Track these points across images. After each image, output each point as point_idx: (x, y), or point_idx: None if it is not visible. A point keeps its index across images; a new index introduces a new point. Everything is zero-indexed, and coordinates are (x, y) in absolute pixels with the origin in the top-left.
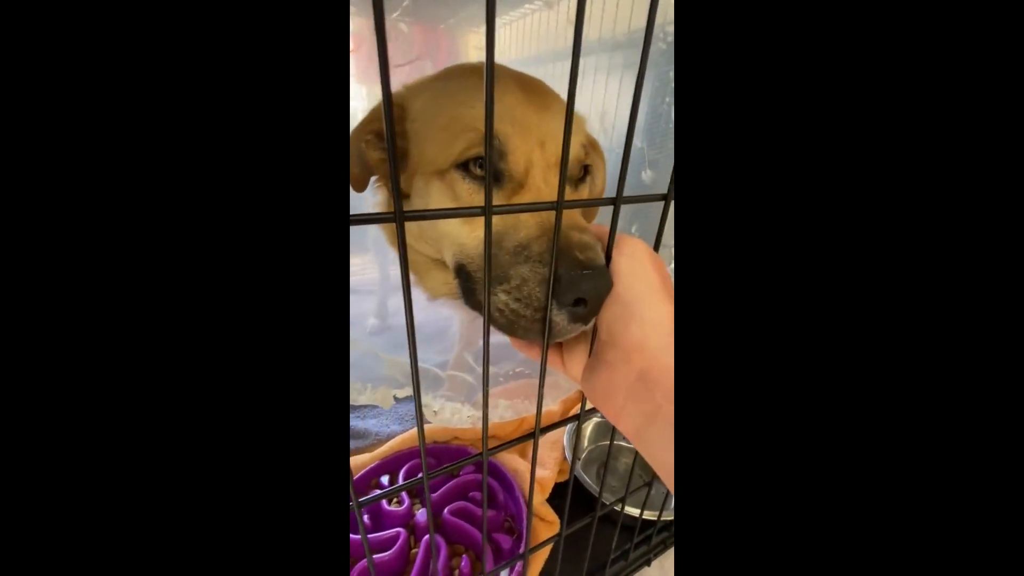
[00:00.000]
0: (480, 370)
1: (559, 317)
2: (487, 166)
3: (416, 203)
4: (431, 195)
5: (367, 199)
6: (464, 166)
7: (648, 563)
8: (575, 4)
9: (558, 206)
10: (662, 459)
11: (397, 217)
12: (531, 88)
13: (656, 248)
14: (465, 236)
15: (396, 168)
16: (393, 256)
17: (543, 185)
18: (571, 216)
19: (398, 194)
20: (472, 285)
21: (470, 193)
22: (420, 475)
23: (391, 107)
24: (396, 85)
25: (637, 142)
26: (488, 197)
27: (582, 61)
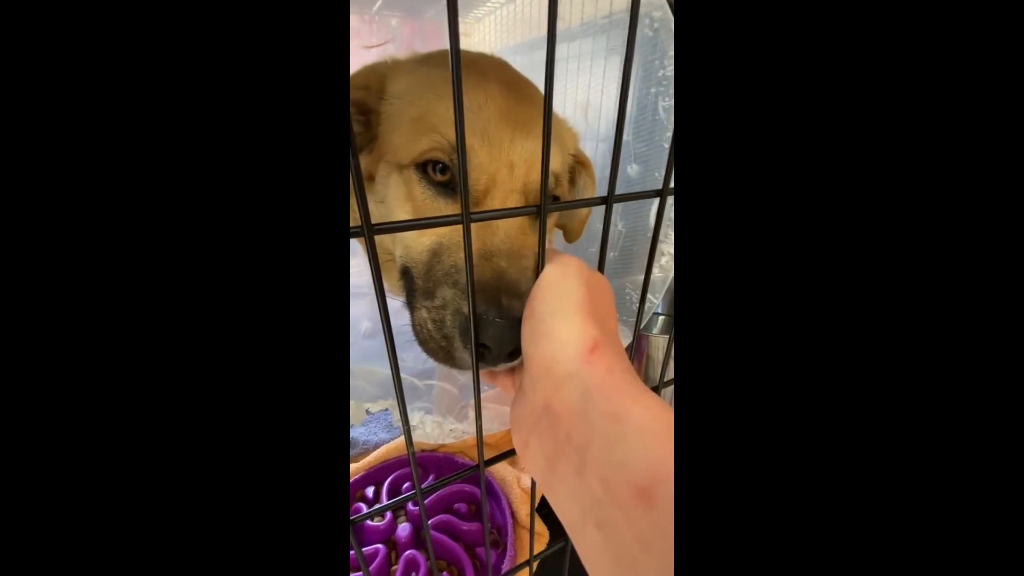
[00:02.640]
0: (464, 378)
1: (464, 353)
2: (354, 177)
3: (378, 190)
4: (389, 188)
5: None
6: (423, 167)
7: None
8: None
9: (464, 219)
10: (566, 514)
11: None
12: (518, 100)
13: (601, 261)
14: (412, 239)
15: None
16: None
17: None
18: (518, 242)
19: None
20: (412, 290)
21: (424, 198)
22: (406, 486)
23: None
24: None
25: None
26: (364, 214)
27: (563, 47)
